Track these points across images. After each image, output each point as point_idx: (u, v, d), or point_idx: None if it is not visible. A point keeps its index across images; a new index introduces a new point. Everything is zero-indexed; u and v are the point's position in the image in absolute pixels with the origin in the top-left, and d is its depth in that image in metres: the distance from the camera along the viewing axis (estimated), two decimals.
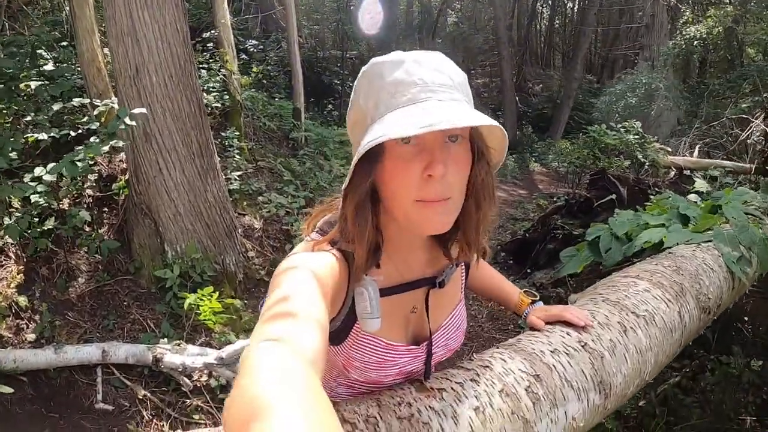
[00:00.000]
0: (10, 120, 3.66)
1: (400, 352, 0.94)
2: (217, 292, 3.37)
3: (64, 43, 4.71)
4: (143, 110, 3.19)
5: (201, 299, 3.26)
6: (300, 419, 0.43)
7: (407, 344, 0.96)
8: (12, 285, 3.13)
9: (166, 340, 3.16)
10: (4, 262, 3.20)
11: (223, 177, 4.14)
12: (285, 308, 0.63)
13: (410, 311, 0.96)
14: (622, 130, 7.17)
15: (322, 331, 0.63)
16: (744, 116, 6.25)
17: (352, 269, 0.85)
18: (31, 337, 3.01)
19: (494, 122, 0.73)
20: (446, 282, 0.96)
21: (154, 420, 2.84)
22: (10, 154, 3.06)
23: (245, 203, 4.88)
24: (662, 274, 1.41)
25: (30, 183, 2.99)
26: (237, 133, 5.49)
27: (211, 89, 5.54)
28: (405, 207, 0.77)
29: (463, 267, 1.04)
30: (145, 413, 2.85)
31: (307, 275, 0.72)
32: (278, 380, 0.48)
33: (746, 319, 2.59)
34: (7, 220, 3.00)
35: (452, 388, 0.91)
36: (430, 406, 0.87)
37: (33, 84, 3.61)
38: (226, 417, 0.47)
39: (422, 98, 0.74)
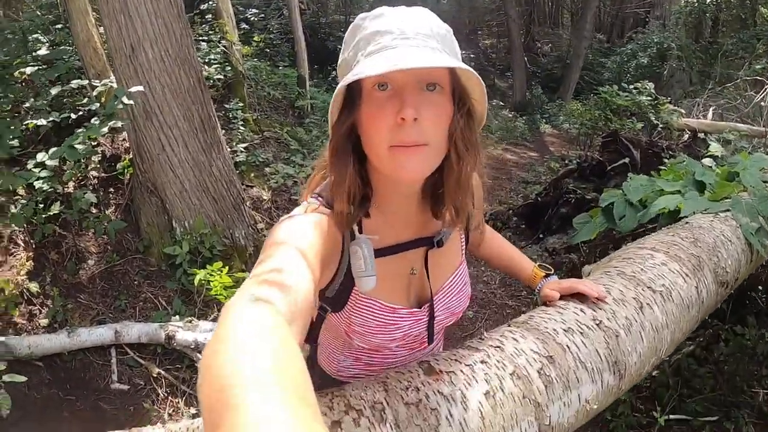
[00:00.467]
0: (8, 108, 3.59)
1: (401, 315, 0.94)
2: (228, 267, 3.36)
3: (59, 26, 4.62)
4: (140, 88, 3.13)
5: (211, 274, 3.25)
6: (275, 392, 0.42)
7: (409, 307, 0.95)
8: (22, 272, 3.13)
9: (178, 317, 3.17)
10: (13, 250, 3.20)
11: (228, 150, 4.08)
12: (274, 276, 0.63)
13: (410, 273, 0.95)
14: (634, 91, 6.96)
15: (306, 299, 0.64)
16: (758, 78, 6.03)
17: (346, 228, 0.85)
18: (44, 322, 3.03)
19: (463, 65, 0.72)
20: (444, 241, 0.95)
21: (169, 397, 2.87)
22: (12, 143, 3.04)
23: (252, 175, 4.82)
24: (679, 247, 1.35)
25: (33, 170, 2.96)
26: (241, 105, 5.40)
27: (212, 61, 5.43)
28: (380, 153, 0.77)
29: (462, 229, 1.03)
30: (160, 391, 2.89)
31: (296, 245, 0.72)
32: (256, 334, 0.49)
33: (761, 288, 2.52)
34: (13, 209, 2.98)
35: (461, 371, 0.88)
36: (438, 391, 0.84)
37: (29, 69, 3.54)
38: (202, 368, 0.47)
39: (395, 45, 0.73)
